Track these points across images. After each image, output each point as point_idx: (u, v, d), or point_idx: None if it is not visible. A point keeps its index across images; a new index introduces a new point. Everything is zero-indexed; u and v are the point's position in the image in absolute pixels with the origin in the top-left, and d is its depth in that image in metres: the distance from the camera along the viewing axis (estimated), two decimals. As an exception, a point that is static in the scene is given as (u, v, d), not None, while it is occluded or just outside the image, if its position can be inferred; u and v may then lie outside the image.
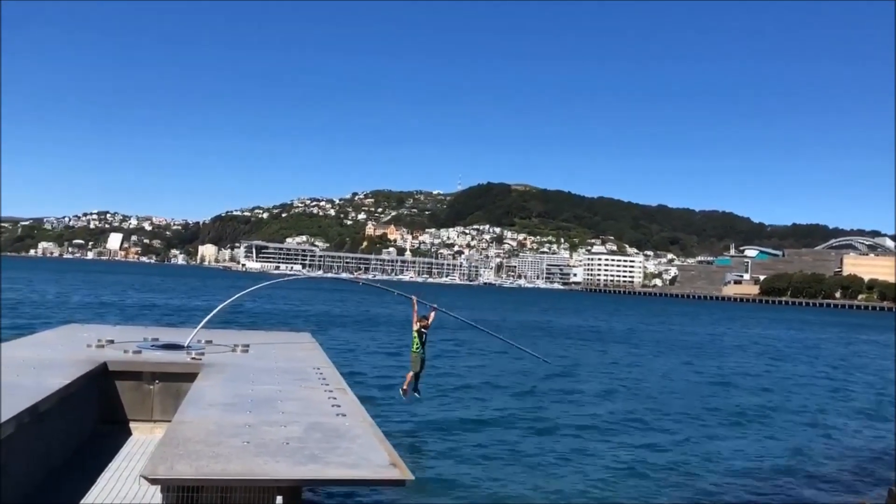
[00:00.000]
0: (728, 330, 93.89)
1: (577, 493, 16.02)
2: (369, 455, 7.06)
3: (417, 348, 13.91)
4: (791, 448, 22.38)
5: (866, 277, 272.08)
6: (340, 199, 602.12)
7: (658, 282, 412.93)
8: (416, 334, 13.88)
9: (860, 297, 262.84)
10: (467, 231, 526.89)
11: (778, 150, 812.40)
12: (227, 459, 6.53)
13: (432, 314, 14.38)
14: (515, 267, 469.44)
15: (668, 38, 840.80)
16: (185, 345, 14.10)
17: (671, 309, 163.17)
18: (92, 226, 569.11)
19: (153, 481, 6.10)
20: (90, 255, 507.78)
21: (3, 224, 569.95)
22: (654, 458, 19.72)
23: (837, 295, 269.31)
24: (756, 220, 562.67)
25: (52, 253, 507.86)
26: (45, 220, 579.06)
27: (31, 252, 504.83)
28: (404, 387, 14.26)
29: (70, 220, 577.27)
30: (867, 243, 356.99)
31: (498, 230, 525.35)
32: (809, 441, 23.86)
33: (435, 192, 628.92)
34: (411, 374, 14.00)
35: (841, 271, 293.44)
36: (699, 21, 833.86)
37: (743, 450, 21.80)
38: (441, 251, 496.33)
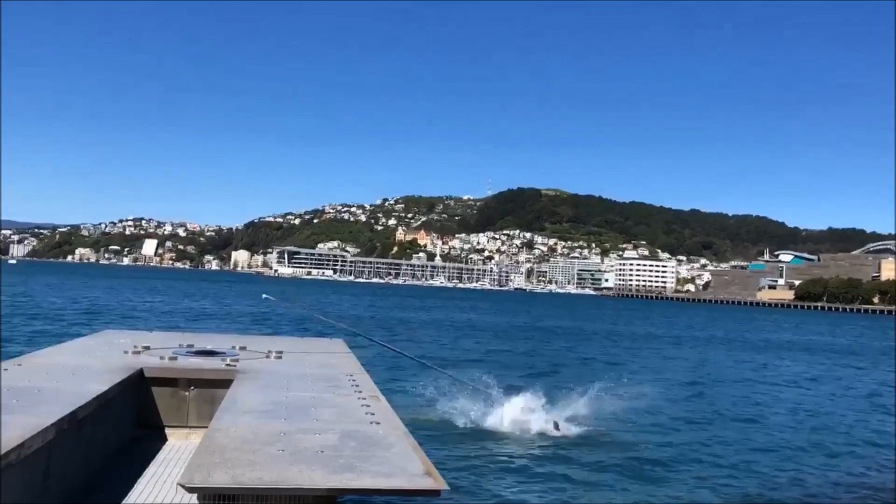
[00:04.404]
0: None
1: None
2: (404, 464, 7.03)
3: None
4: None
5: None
6: (371, 205, 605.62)
7: (691, 287, 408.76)
8: None
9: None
10: (497, 236, 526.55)
11: (813, 153, 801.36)
12: (263, 468, 6.54)
13: None
14: (546, 272, 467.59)
15: (701, 37, 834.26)
16: (220, 351, 14.20)
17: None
18: (127, 232, 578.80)
19: (190, 489, 6.13)
20: (126, 261, 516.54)
21: (42, 231, 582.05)
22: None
23: (875, 300, 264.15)
24: (791, 224, 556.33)
25: (88, 259, 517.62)
26: (81, 226, 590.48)
27: (69, 258, 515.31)
28: None
29: (106, 227, 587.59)
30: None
31: (528, 235, 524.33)
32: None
33: (465, 198, 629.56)
34: None
35: (879, 276, 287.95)
36: (732, 19, 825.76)
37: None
38: (471, 256, 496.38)
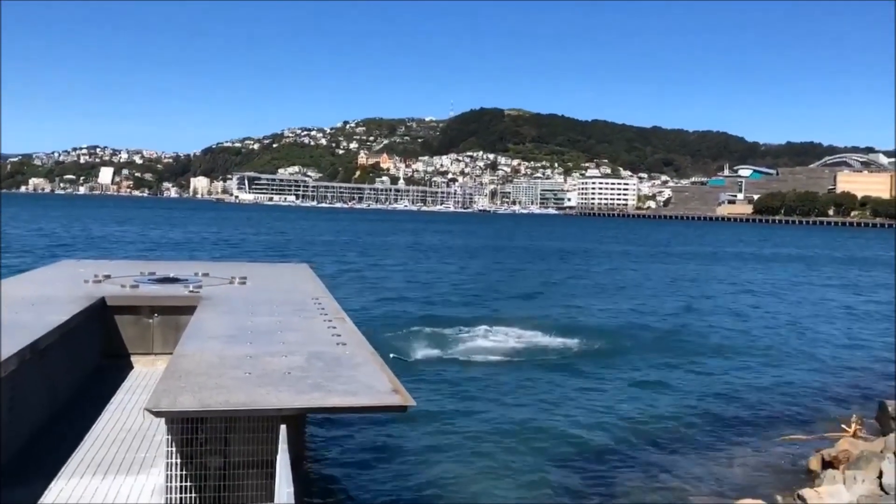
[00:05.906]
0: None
1: (584, 427, 15.73)
2: (371, 382, 7.13)
3: None
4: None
5: (860, 194, 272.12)
6: (331, 129, 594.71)
7: (652, 204, 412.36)
8: None
9: (853, 213, 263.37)
10: (461, 158, 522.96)
11: (772, 68, 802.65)
12: (230, 390, 6.58)
13: None
14: (510, 193, 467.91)
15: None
16: (183, 278, 14.09)
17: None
18: (82, 161, 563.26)
19: (157, 414, 6.16)
20: (82, 190, 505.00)
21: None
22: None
23: (831, 212, 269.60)
24: (750, 139, 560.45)
25: (43, 189, 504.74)
26: (34, 156, 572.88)
27: (22, 189, 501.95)
28: None
29: (60, 156, 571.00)
30: (861, 160, 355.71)
31: (491, 157, 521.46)
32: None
33: (427, 119, 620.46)
34: None
35: (834, 189, 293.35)
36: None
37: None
38: (435, 179, 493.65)
